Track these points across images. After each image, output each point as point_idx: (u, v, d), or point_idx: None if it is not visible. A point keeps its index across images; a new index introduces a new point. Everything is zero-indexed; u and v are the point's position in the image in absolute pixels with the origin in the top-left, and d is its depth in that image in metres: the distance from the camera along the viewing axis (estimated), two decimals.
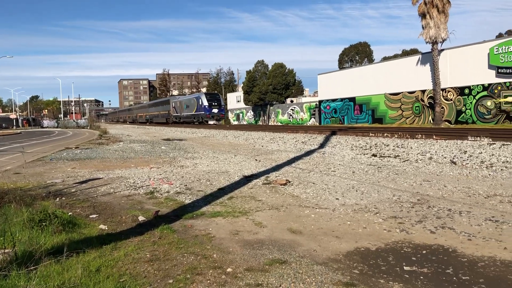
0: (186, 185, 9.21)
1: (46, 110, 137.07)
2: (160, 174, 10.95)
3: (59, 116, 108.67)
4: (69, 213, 6.60)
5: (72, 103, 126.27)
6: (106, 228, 5.91)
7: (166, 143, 23.91)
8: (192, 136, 31.59)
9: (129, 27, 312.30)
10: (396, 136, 18.69)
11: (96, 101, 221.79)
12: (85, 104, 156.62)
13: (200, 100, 53.33)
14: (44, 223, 5.46)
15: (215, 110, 52.00)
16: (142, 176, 10.74)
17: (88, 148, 20.95)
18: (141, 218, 6.37)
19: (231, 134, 28.76)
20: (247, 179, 9.85)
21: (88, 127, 64.29)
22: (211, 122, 54.39)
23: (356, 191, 8.13)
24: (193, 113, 56.03)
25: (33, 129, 77.99)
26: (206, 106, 51.84)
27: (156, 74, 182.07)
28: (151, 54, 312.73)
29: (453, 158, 11.55)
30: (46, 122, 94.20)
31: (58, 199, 7.88)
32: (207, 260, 4.50)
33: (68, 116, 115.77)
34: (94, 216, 6.70)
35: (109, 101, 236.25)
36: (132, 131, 45.66)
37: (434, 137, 16.59)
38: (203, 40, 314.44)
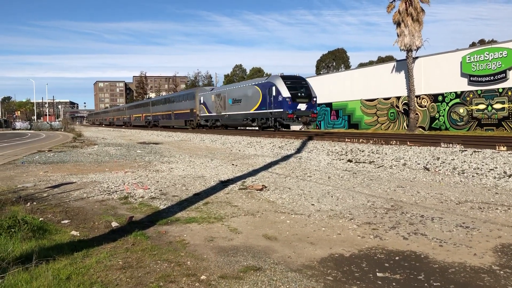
0: (161, 190, 9.11)
1: (19, 112, 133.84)
2: (135, 179, 10.81)
3: (32, 118, 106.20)
4: (40, 219, 6.44)
5: (46, 105, 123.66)
6: (78, 234, 5.79)
7: (141, 146, 23.64)
8: (168, 139, 31.33)
9: (107, 28, 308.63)
10: (371, 142, 18.93)
11: (71, 103, 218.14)
12: (59, 106, 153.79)
13: (273, 88, 29.65)
14: (13, 230, 5.31)
15: (302, 106, 28.65)
16: (117, 180, 10.57)
17: (61, 151, 20.53)
18: (114, 224, 6.27)
19: (208, 138, 28.63)
20: (223, 184, 9.81)
21: (63, 130, 63.02)
22: (294, 127, 34.22)
23: (332, 196, 8.19)
24: (254, 111, 32.40)
25: (5, 131, 75.90)
26: (287, 99, 28.47)
27: (133, 76, 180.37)
28: (129, 56, 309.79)
29: (427, 165, 11.76)
30: (18, 124, 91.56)
31: (29, 204, 7.68)
32: (181, 267, 4.45)
33: (41, 118, 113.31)
34: (66, 221, 6.56)
35: (84, 103, 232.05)
36: (107, 134, 44.99)
37: (408, 143, 16.88)
38: (181, 43, 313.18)
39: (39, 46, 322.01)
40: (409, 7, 35.49)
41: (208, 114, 41.58)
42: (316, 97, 29.72)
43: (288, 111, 28.20)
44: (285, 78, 29.91)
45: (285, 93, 28.64)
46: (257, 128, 33.68)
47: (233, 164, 13.75)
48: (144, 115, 68.38)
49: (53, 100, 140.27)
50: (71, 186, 10.00)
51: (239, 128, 42.54)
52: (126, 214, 6.97)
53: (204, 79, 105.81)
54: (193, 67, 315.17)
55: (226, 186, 9.54)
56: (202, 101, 42.95)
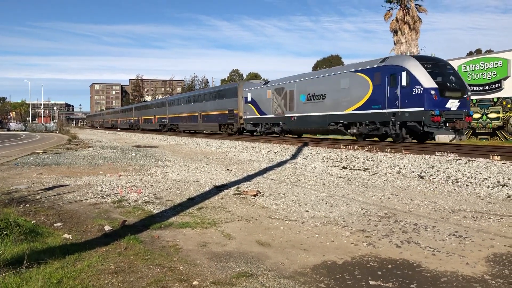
0: (155, 194, 9.08)
1: (14, 113, 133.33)
2: (129, 182, 10.77)
3: (27, 119, 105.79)
4: (33, 221, 6.41)
5: (42, 106, 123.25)
6: (71, 238, 5.76)
7: (136, 150, 23.58)
8: (163, 143, 31.28)
9: (105, 30, 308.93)
10: (366, 149, 18.97)
11: (67, 104, 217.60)
12: (55, 108, 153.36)
13: (401, 74, 18.99)
14: (4, 232, 5.27)
15: (452, 104, 18.23)
16: (111, 183, 10.53)
17: (56, 153, 20.45)
18: (107, 228, 6.24)
19: (204, 143, 28.61)
20: (217, 189, 9.79)
21: (57, 131, 62.76)
22: (443, 138, 18.15)
23: (326, 203, 8.19)
24: (353, 110, 21.96)
25: None
26: (432, 92, 17.93)
27: (129, 79, 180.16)
28: (126, 59, 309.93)
29: (421, 173, 11.79)
30: (13, 125, 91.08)
31: (21, 206, 7.63)
32: (173, 272, 4.43)
33: (36, 119, 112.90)
34: (59, 224, 6.52)
35: (80, 105, 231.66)
36: (102, 137, 44.88)
37: (403, 151, 16.92)
38: (180, 47, 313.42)
39: (36, 47, 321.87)
40: (406, 15, 35.80)
41: (259, 116, 30.58)
42: (470, 91, 19.62)
43: (433, 111, 17.58)
44: (421, 59, 19.34)
45: (428, 81, 17.97)
46: (354, 137, 23.11)
47: (228, 169, 13.74)
48: (157, 117, 57.87)
49: (49, 101, 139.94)
50: (64, 188, 9.96)
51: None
52: (119, 218, 6.94)
53: (200, 83, 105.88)
54: (190, 71, 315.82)
55: (220, 191, 9.52)
56: (249, 99, 31.82)
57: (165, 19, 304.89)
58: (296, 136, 29.80)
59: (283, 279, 4.28)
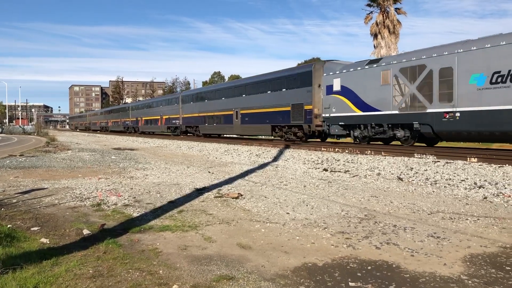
0: (135, 197, 8.99)
1: None
2: (109, 185, 10.64)
3: (4, 121, 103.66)
4: (8, 226, 6.28)
5: (19, 108, 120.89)
6: (48, 242, 5.65)
7: (116, 152, 23.32)
8: (144, 146, 31.01)
9: (86, 32, 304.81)
10: (346, 151, 19.14)
11: (45, 106, 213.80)
12: (33, 110, 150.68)
13: None
14: None
15: None
16: (90, 187, 10.39)
17: (33, 156, 20.07)
18: (86, 232, 6.15)
19: (185, 145, 28.46)
20: (198, 191, 9.74)
21: (36, 134, 61.65)
22: None
23: (307, 205, 8.22)
24: None
25: None
26: None
27: (110, 81, 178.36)
28: (107, 60, 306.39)
29: (400, 175, 11.95)
30: None
31: None
32: (153, 276, 4.39)
33: (14, 121, 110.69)
34: (36, 228, 6.40)
35: (59, 107, 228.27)
36: (82, 139, 44.26)
37: (383, 154, 17.12)
38: (162, 49, 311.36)
39: (14, 48, 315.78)
40: (386, 19, 36.26)
41: (359, 113, 20.26)
42: None
43: None
44: None
45: None
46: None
47: (209, 172, 13.69)
48: (165, 117, 46.06)
49: (27, 103, 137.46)
50: (42, 192, 9.78)
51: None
52: (98, 222, 6.85)
53: (182, 85, 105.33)
54: (171, 72, 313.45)
55: (201, 194, 9.48)
56: (336, 87, 21.66)
57: (148, 21, 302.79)
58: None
59: (264, 282, 4.28)
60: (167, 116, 45.45)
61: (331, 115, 22.05)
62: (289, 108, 25.32)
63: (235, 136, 36.78)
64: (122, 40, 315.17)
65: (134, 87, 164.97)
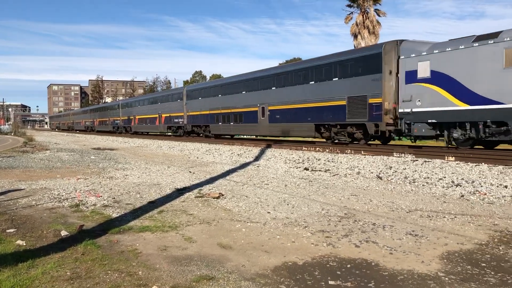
0: (114, 198, 8.89)
1: None
2: (88, 186, 10.50)
3: None
4: None
5: None
6: (24, 244, 5.55)
7: (96, 152, 23.03)
8: (124, 145, 30.69)
9: (65, 30, 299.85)
10: (327, 150, 19.28)
11: (23, 106, 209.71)
12: (9, 109, 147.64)
13: None
14: None
15: None
16: (68, 187, 10.23)
17: (10, 156, 19.67)
18: (63, 233, 6.05)
19: (166, 145, 28.27)
20: (179, 192, 9.69)
21: (13, 134, 60.40)
22: None
23: (288, 204, 8.25)
24: None
25: None
26: None
27: (89, 80, 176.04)
28: (87, 59, 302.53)
29: (379, 173, 12.09)
30: None
31: None
32: (132, 277, 4.35)
33: None
34: (12, 230, 6.27)
35: (37, 106, 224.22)
36: (60, 139, 43.57)
37: (363, 153, 17.30)
38: (143, 47, 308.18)
39: None
40: (366, 20, 36.62)
41: (460, 107, 15.62)
42: None
43: None
44: None
45: None
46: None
47: (190, 172, 13.63)
48: (164, 115, 40.59)
49: (3, 102, 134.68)
50: (19, 193, 9.59)
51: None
52: (76, 223, 6.75)
53: (162, 84, 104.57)
54: (152, 72, 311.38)
55: (182, 194, 9.43)
56: (423, 74, 16.80)
57: (128, 20, 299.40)
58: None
59: (244, 281, 4.28)
60: (167, 115, 39.86)
61: (415, 110, 16.90)
62: (343, 102, 19.97)
63: (258, 137, 31.54)
64: (102, 38, 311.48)
65: (114, 86, 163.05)
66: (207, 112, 32.84)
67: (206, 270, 4.60)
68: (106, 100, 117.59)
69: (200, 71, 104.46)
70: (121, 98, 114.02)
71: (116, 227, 6.46)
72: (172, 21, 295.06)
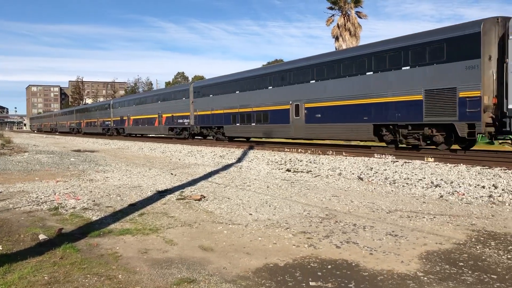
0: (94, 201, 8.77)
1: None
2: (67, 188, 10.34)
3: None
4: None
5: None
6: (1, 248, 5.44)
7: (76, 154, 22.70)
8: (105, 147, 30.33)
9: (44, 30, 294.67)
10: (309, 152, 19.38)
11: (0, 107, 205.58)
12: None
13: None
14: None
15: None
16: (47, 190, 10.06)
17: None
18: (42, 237, 5.94)
19: (147, 147, 28.04)
20: (160, 194, 9.61)
21: None
22: None
23: (269, 206, 8.26)
24: None
25: None
26: None
27: (69, 81, 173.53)
28: (67, 60, 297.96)
29: (360, 174, 12.19)
30: None
31: None
32: (111, 281, 4.30)
33: None
34: None
35: (15, 108, 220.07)
36: (39, 141, 42.82)
37: (344, 154, 17.44)
38: (124, 48, 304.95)
39: None
40: (347, 22, 36.93)
41: None
42: None
43: None
44: None
45: None
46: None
47: (172, 174, 13.54)
48: (165, 116, 36.91)
49: None
50: None
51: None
52: (55, 226, 6.64)
53: (144, 85, 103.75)
54: (133, 73, 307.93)
55: (163, 196, 9.36)
56: None
57: (109, 20, 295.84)
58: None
59: (225, 284, 4.27)
60: (169, 114, 35.76)
61: None
62: (419, 97, 16.11)
63: (290, 140, 26.20)
64: (83, 39, 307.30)
65: (95, 87, 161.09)
66: (221, 112, 28.69)
67: (187, 273, 4.57)
68: (87, 102, 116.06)
69: (183, 72, 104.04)
70: (102, 99, 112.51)
71: (96, 230, 6.37)
72: (154, 22, 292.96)
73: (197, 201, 8.73)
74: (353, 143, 24.72)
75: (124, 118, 46.72)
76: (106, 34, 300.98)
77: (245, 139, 29.79)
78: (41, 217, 7.38)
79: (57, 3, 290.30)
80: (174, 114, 35.21)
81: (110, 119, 51.31)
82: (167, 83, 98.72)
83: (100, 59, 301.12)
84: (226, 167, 15.48)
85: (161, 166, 16.04)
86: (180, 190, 10.11)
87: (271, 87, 24.26)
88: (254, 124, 25.51)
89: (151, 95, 41.79)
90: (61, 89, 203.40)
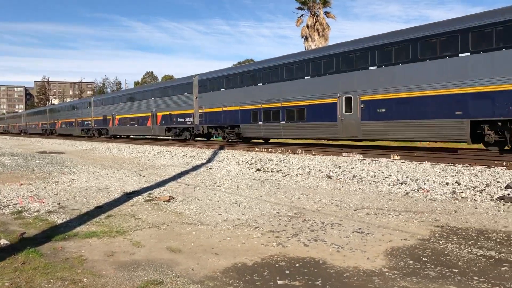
0: (59, 203, 8.57)
1: None
2: (31, 191, 10.05)
3: None
4: None
5: None
6: None
7: (41, 156, 22.09)
8: (72, 149, 29.66)
9: (7, 28, 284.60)
10: (279, 151, 19.48)
11: None
12: None
13: None
14: None
15: None
16: (10, 193, 9.75)
17: None
18: (3, 242, 5.76)
19: (116, 147, 27.57)
20: (128, 196, 9.47)
21: None
22: None
23: (239, 206, 8.27)
24: None
25: None
26: None
27: (34, 81, 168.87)
28: (32, 60, 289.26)
29: (329, 173, 12.35)
30: None
31: None
32: (76, 285, 4.21)
33: None
34: None
35: None
36: (2, 143, 41.48)
37: (313, 153, 17.62)
38: (92, 48, 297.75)
39: None
40: (316, 22, 37.31)
41: None
42: None
43: None
44: None
45: None
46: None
47: (140, 175, 13.36)
48: (161, 114, 32.74)
49: None
50: None
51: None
52: (18, 230, 6.45)
53: (112, 85, 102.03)
54: (102, 72, 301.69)
55: (131, 198, 9.23)
56: None
57: (76, 19, 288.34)
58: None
59: (193, 285, 4.25)
60: (166, 113, 31.35)
61: None
62: None
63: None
64: (49, 38, 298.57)
65: (62, 87, 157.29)
66: (236, 108, 24.52)
67: (154, 275, 4.53)
68: (53, 102, 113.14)
69: (151, 72, 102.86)
70: (69, 99, 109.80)
71: (61, 234, 6.23)
72: (123, 21, 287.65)
73: (165, 202, 8.65)
74: (323, 142, 24.97)
75: (108, 117, 41.61)
76: (74, 33, 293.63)
77: (262, 141, 26.28)
78: (2, 221, 7.15)
79: (22, 0, 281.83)
80: (172, 112, 30.69)
81: (90, 119, 46.39)
82: (136, 83, 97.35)
83: (67, 58, 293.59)
84: (196, 167, 15.40)
85: (129, 168, 15.81)
86: (149, 192, 9.99)
87: (309, 77, 20.03)
88: (284, 122, 21.31)
89: (143, 91, 37.28)
90: (26, 89, 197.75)
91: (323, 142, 23.56)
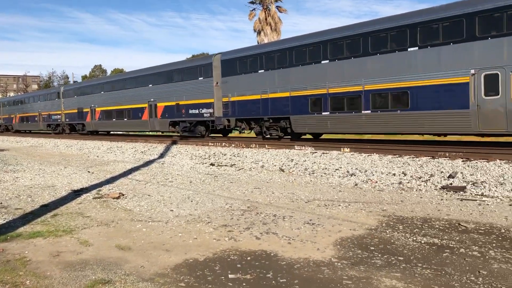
0: (1, 203, 8.17)
1: None
2: None
3: None
4: None
5: None
6: None
7: None
8: (17, 145, 28.34)
9: None
10: (233, 145, 19.46)
11: None
12: None
13: None
14: None
15: None
16: None
17: None
18: None
19: (63, 144, 26.59)
20: (76, 193, 9.17)
21: None
22: None
23: (191, 201, 8.20)
24: None
25: None
26: None
27: None
28: None
29: (282, 166, 12.48)
30: None
31: None
32: None
33: None
34: None
35: None
36: None
37: (267, 147, 17.73)
38: (36, 40, 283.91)
39: None
40: (268, 16, 37.45)
41: None
42: None
43: None
44: None
45: None
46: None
47: (89, 172, 12.96)
48: (162, 105, 25.63)
49: None
50: None
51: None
52: None
53: (59, 79, 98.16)
54: (48, 66, 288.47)
55: (79, 195, 8.93)
56: None
57: (20, 9, 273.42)
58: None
59: (142, 283, 4.17)
60: (171, 103, 24.83)
61: None
62: None
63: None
64: None
65: (4, 81, 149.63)
66: (285, 95, 18.54)
67: (102, 274, 4.41)
68: None
69: (100, 65, 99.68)
70: (12, 94, 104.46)
71: (3, 235, 5.94)
72: (70, 12, 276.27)
73: (115, 200, 8.44)
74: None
75: (85, 110, 34.01)
76: (17, 24, 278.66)
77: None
78: None
79: None
80: (180, 103, 24.20)
81: (59, 112, 38.20)
82: (84, 77, 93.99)
83: (10, 50, 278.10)
84: (148, 163, 15.12)
85: (77, 164, 15.30)
86: (98, 189, 9.71)
87: (414, 48, 14.28)
88: (368, 111, 15.52)
89: (136, 76, 29.01)
90: None
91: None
